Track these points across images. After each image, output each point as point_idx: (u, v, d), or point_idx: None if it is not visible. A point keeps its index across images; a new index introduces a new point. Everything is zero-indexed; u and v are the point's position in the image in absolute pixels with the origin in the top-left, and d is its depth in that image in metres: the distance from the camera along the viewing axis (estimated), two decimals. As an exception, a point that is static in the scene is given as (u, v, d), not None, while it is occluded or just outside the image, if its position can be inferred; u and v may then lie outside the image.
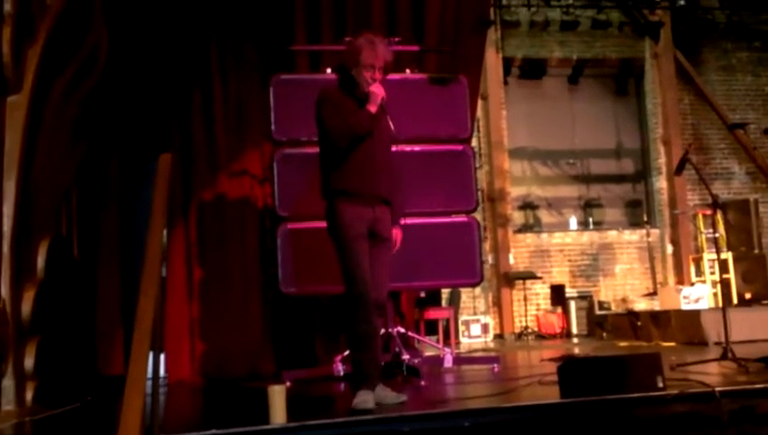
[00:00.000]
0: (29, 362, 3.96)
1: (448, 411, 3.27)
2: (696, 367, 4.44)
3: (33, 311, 3.99)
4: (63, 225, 4.94)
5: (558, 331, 9.40)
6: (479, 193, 6.09)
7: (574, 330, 9.40)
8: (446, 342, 7.00)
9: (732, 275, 8.07)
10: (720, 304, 5.61)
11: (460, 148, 5.56)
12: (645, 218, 10.17)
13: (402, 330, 5.34)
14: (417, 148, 5.41)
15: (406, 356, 4.97)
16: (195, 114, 6.30)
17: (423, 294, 6.80)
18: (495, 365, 5.18)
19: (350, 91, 3.85)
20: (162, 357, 5.74)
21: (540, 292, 10.13)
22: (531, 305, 9.88)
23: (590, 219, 10.75)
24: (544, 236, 10.47)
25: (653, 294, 9.30)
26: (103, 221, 6.01)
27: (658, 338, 7.28)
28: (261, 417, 3.19)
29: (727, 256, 8.09)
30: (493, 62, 10.19)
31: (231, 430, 2.97)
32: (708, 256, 8.32)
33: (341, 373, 4.96)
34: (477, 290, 9.71)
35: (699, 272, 8.65)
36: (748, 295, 8.02)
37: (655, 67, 10.89)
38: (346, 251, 3.67)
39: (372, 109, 3.76)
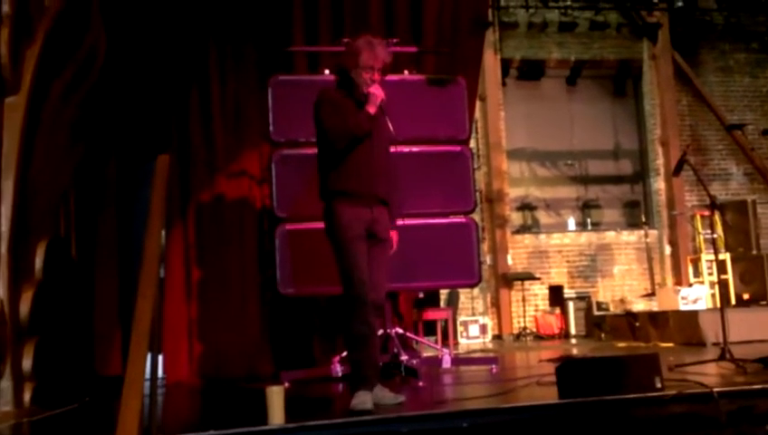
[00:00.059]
0: (27, 363, 3.95)
1: (447, 412, 3.28)
2: (694, 368, 4.45)
3: (31, 312, 3.99)
4: (61, 226, 4.94)
5: (556, 331, 9.40)
6: (477, 194, 6.11)
7: (572, 331, 9.40)
8: (445, 342, 7.02)
9: (730, 276, 8.09)
10: (718, 305, 5.62)
11: (458, 149, 5.56)
12: (643, 219, 10.18)
13: (400, 331, 5.34)
14: (415, 149, 5.41)
15: (404, 357, 4.97)
16: (193, 115, 6.29)
17: (421, 295, 6.81)
18: (494, 366, 5.18)
19: (348, 93, 3.85)
20: (160, 358, 5.74)
21: (538, 292, 10.13)
22: (529, 306, 9.89)
23: (589, 220, 10.75)
24: (542, 236, 10.48)
25: (651, 294, 9.31)
26: (101, 222, 6.01)
27: (656, 339, 7.29)
28: (259, 418, 3.19)
29: (725, 256, 8.10)
30: (491, 63, 10.20)
31: (229, 431, 2.97)
32: (706, 256, 8.35)
33: (339, 374, 4.96)
34: (476, 291, 9.72)
35: (697, 273, 8.68)
36: (746, 296, 8.04)
37: (653, 68, 10.90)
38: (344, 252, 3.67)
39: (371, 110, 3.76)
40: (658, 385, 3.39)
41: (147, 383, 2.73)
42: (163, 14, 6.16)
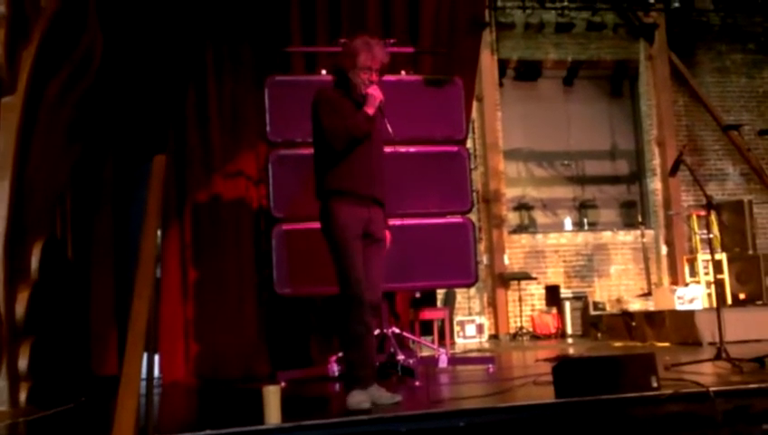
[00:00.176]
0: (23, 363, 3.95)
1: (443, 411, 3.28)
2: (691, 367, 4.45)
3: (26, 312, 3.98)
4: (58, 226, 4.93)
5: (553, 331, 9.41)
6: (474, 194, 6.10)
7: (569, 330, 9.41)
8: (441, 342, 7.01)
9: (726, 276, 8.09)
10: (714, 305, 5.63)
11: (455, 149, 5.56)
12: (639, 219, 10.19)
13: (397, 330, 5.34)
14: (412, 149, 5.41)
15: (401, 357, 4.97)
16: (189, 115, 6.28)
17: (418, 295, 6.81)
18: (490, 365, 5.19)
19: (346, 93, 3.85)
20: (156, 358, 5.73)
21: (535, 292, 10.14)
22: (526, 306, 9.90)
23: (585, 220, 10.77)
24: (539, 236, 10.49)
25: (647, 294, 9.32)
26: (97, 222, 6.00)
27: (653, 338, 7.29)
28: (256, 417, 3.19)
29: (721, 256, 8.11)
30: (488, 63, 10.21)
31: (226, 431, 2.97)
32: (702, 256, 8.35)
33: (336, 374, 4.96)
34: (472, 290, 9.72)
35: (693, 272, 8.68)
36: (742, 296, 8.05)
37: (649, 69, 10.92)
38: (341, 251, 3.67)
39: (370, 111, 3.76)
40: (655, 385, 3.40)
41: (143, 383, 2.73)
42: (160, 14, 6.15)
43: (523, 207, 10.74)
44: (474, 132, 10.08)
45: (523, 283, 9.89)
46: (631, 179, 11.19)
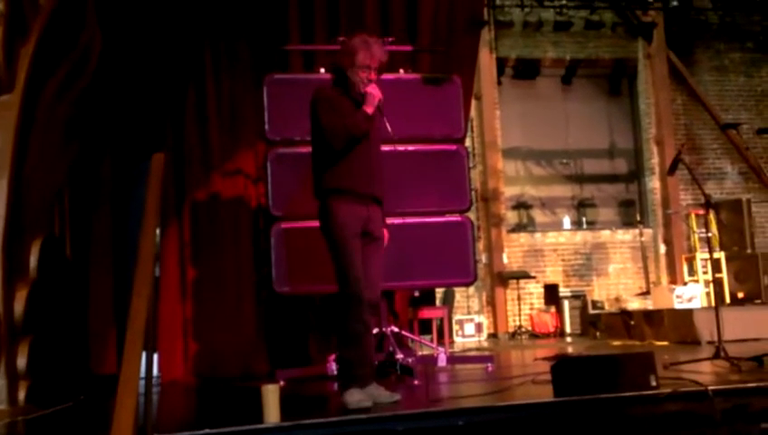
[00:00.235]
0: (21, 362, 3.94)
1: (442, 410, 3.28)
2: (689, 366, 4.46)
3: (25, 310, 3.97)
4: (56, 224, 4.93)
5: (551, 330, 9.42)
6: (473, 193, 6.10)
7: (568, 329, 9.42)
8: (440, 341, 7.01)
9: (724, 275, 8.10)
10: (713, 304, 5.63)
11: (454, 147, 5.56)
12: (638, 218, 10.19)
13: (396, 329, 5.34)
14: (410, 147, 5.41)
15: (399, 355, 4.97)
16: (188, 114, 6.28)
17: (417, 294, 6.81)
18: (489, 364, 5.18)
19: (345, 91, 3.85)
20: (155, 357, 5.72)
21: (533, 291, 10.15)
22: (524, 305, 9.90)
23: (584, 219, 10.77)
24: (538, 235, 10.49)
25: (646, 293, 9.32)
26: (96, 221, 6.00)
27: (651, 337, 7.30)
28: (255, 416, 3.19)
29: (720, 255, 8.12)
30: (486, 62, 10.20)
31: (225, 430, 2.97)
32: (701, 255, 8.36)
33: (335, 372, 4.95)
34: (471, 289, 9.72)
35: (692, 271, 8.68)
36: (741, 295, 8.06)
37: (648, 67, 10.92)
38: (340, 249, 3.67)
39: (369, 110, 3.76)
40: (653, 383, 3.40)
41: (142, 382, 2.73)
42: (158, 12, 6.15)
43: (521, 205, 10.74)
44: (472, 131, 10.08)
45: (522, 282, 9.89)
46: (630, 178, 11.19)
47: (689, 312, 6.88)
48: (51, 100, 4.39)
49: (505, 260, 10.04)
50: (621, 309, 8.51)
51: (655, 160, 10.84)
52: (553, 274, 10.31)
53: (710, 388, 3.31)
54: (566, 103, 10.99)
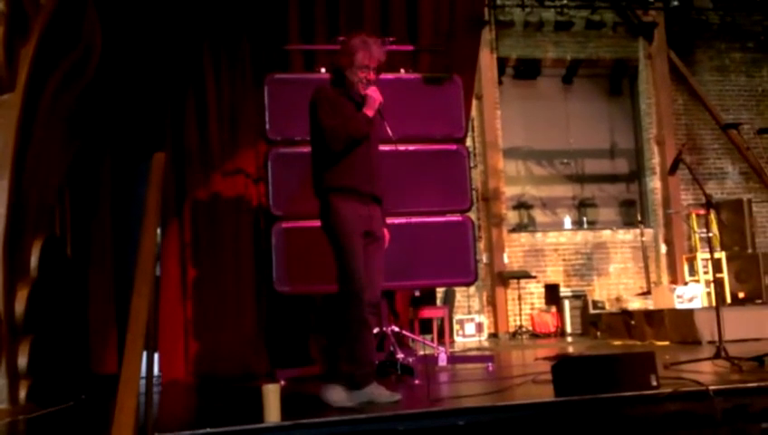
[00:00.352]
0: (22, 361, 3.95)
1: (443, 410, 3.27)
2: (690, 366, 4.45)
3: (26, 310, 3.98)
4: (57, 224, 4.93)
5: (552, 330, 9.42)
6: (473, 192, 6.11)
7: (568, 329, 9.42)
8: (441, 341, 7.01)
9: (725, 275, 8.10)
10: (713, 304, 5.63)
11: (454, 147, 5.56)
12: (639, 218, 10.19)
13: (397, 329, 5.34)
14: (411, 147, 5.40)
15: (400, 355, 4.96)
16: (188, 113, 6.28)
17: (418, 294, 6.80)
18: (490, 364, 5.19)
19: (344, 91, 3.85)
20: (156, 356, 5.72)
21: (534, 291, 10.14)
22: (525, 304, 9.90)
23: (585, 219, 10.76)
24: (539, 235, 10.49)
25: (647, 293, 9.32)
26: (96, 221, 6.00)
27: (652, 337, 7.30)
28: (255, 416, 3.19)
29: (721, 255, 8.12)
30: (487, 61, 10.20)
31: (225, 429, 2.97)
32: (702, 255, 8.36)
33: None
34: (472, 289, 9.72)
35: (693, 271, 8.68)
36: (741, 295, 8.06)
37: (649, 67, 10.91)
38: (342, 246, 3.67)
39: (370, 113, 3.77)
40: (654, 383, 3.40)
41: (142, 382, 2.73)
42: (159, 11, 6.15)
43: (522, 205, 10.74)
44: (473, 131, 10.08)
45: (523, 281, 9.89)
46: (631, 178, 11.19)
47: (690, 312, 6.88)
48: (51, 99, 4.39)
49: (506, 260, 10.04)
50: (622, 309, 8.51)
51: (656, 160, 10.84)
52: (554, 273, 10.31)
53: (711, 388, 3.31)
54: (567, 103, 10.99)
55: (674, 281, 9.94)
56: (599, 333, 8.59)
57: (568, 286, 10.16)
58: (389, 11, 6.59)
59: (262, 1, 6.39)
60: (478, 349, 7.95)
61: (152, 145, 5.81)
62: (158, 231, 3.20)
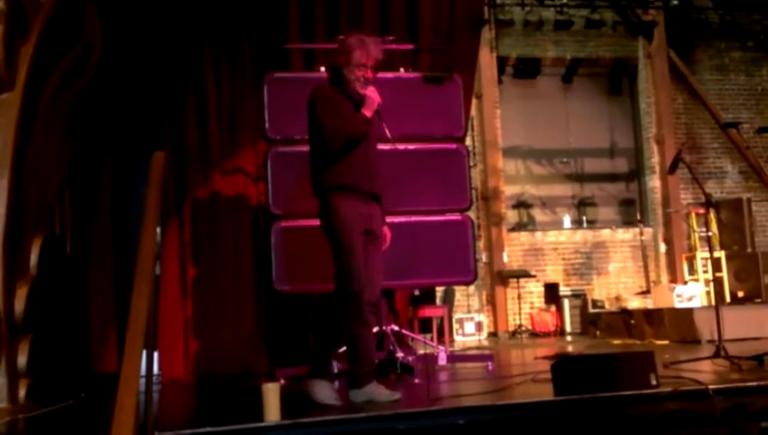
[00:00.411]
0: (22, 360, 3.94)
1: (443, 409, 3.27)
2: (690, 365, 4.46)
3: (25, 308, 3.97)
4: (57, 223, 4.93)
5: (552, 329, 9.42)
6: (473, 192, 6.10)
7: (568, 328, 9.42)
8: (440, 340, 7.01)
9: (725, 274, 8.11)
10: (713, 303, 5.63)
11: (454, 146, 5.56)
12: (638, 217, 10.19)
13: (396, 328, 5.34)
14: (411, 146, 5.40)
15: (400, 354, 4.97)
16: (188, 112, 6.28)
17: (417, 293, 6.80)
18: (489, 363, 5.19)
19: (342, 90, 3.85)
20: (156, 355, 5.73)
21: (534, 290, 10.15)
22: (525, 304, 9.90)
23: (584, 218, 10.76)
24: (538, 234, 10.49)
25: (646, 292, 9.32)
26: (96, 220, 6.00)
27: (652, 336, 7.30)
28: (255, 414, 3.19)
29: (720, 254, 8.13)
30: (487, 61, 10.20)
31: (225, 428, 2.97)
32: (701, 254, 8.36)
33: (336, 371, 4.95)
34: (471, 288, 9.72)
35: (692, 270, 8.69)
36: (741, 294, 8.06)
37: (648, 66, 10.91)
38: (343, 246, 3.66)
39: (368, 114, 3.77)
40: (654, 382, 3.40)
41: (142, 380, 2.73)
42: (158, 10, 6.15)
43: (521, 204, 10.74)
44: (473, 130, 10.08)
45: (522, 280, 9.89)
46: (630, 177, 11.19)
47: (689, 311, 6.88)
48: (51, 98, 4.39)
49: (506, 259, 10.04)
50: (621, 308, 8.52)
51: (655, 159, 10.84)
52: (554, 273, 10.31)
53: (710, 387, 3.31)
54: (566, 102, 10.99)
55: (673, 280, 9.95)
56: (598, 333, 8.60)
57: (567, 285, 10.15)
58: (389, 10, 6.59)
59: (262, 0, 6.39)
60: (478, 348, 7.95)
61: (152, 144, 5.82)
62: (158, 230, 3.20)
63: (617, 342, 7.63)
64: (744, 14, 11.01)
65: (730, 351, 4.59)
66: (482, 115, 10.27)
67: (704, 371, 4.28)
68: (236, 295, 6.10)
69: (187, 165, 6.22)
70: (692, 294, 7.40)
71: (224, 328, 6.00)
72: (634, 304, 9.09)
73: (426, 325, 7.27)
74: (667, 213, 10.51)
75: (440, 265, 5.38)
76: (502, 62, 10.61)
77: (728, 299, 7.98)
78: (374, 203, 3.85)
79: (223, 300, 6.07)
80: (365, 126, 3.76)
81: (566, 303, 9.54)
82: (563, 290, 9.92)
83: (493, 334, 9.75)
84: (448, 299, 9.37)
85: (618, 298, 9.47)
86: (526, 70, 10.79)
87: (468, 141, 9.37)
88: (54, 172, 4.63)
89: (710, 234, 6.89)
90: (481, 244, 9.97)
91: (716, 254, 7.94)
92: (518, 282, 9.84)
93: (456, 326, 9.10)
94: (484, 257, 9.96)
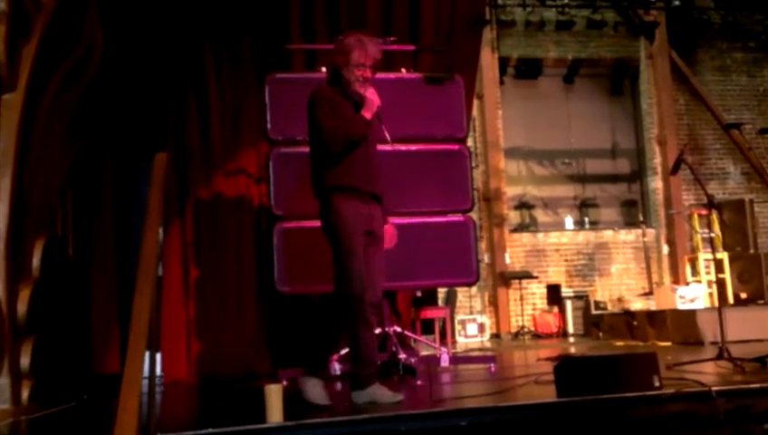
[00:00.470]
0: (25, 361, 3.94)
1: (445, 411, 3.27)
2: (692, 366, 4.45)
3: (28, 310, 3.97)
4: (59, 224, 4.93)
5: (554, 330, 9.41)
6: (475, 193, 6.09)
7: (570, 329, 9.42)
8: (443, 341, 7.00)
9: (727, 275, 8.09)
10: (716, 304, 5.63)
11: (456, 147, 5.55)
12: (641, 218, 10.19)
13: (399, 329, 5.33)
14: (412, 147, 5.41)
15: (402, 355, 4.96)
16: (190, 113, 6.28)
17: (419, 294, 6.80)
18: (492, 365, 5.18)
19: (341, 90, 3.85)
20: (158, 356, 5.73)
21: (536, 291, 10.14)
22: (527, 305, 9.90)
23: (586, 219, 10.76)
24: (540, 235, 10.49)
25: (649, 293, 9.32)
26: (98, 221, 6.00)
27: (654, 338, 7.29)
28: (257, 416, 3.18)
29: (723, 255, 8.11)
30: (488, 61, 10.20)
31: (228, 429, 2.97)
32: (704, 255, 8.35)
33: (338, 372, 4.95)
34: (473, 289, 9.72)
35: (695, 272, 8.67)
36: (744, 295, 8.05)
37: (650, 67, 10.91)
38: (344, 248, 3.66)
39: (368, 116, 3.77)
40: (657, 384, 3.39)
41: (145, 382, 2.73)
42: (160, 11, 6.15)
43: (523, 205, 10.74)
44: (474, 130, 10.08)
45: (525, 282, 9.89)
46: (632, 178, 11.18)
47: (692, 312, 6.87)
48: (53, 99, 4.39)
49: (508, 260, 10.04)
50: (624, 309, 8.51)
51: (657, 160, 10.84)
52: (556, 274, 10.31)
53: (713, 388, 3.30)
54: (568, 103, 10.99)
55: (676, 281, 9.94)
56: (601, 334, 8.59)
57: (570, 287, 10.15)
58: (391, 10, 6.59)
59: (263, 0, 6.39)
60: (480, 349, 7.95)
61: (154, 145, 5.81)
62: (161, 231, 3.19)
63: (619, 343, 7.62)
64: (745, 15, 11.01)
65: (733, 352, 4.57)
66: (483, 116, 10.27)
67: (707, 372, 4.27)
68: (239, 296, 6.10)
69: (189, 166, 6.22)
70: (695, 295, 7.39)
71: (226, 329, 6.00)
72: (636, 305, 9.08)
73: (428, 327, 7.27)
74: (669, 214, 10.50)
75: (442, 266, 5.38)
76: (503, 63, 10.62)
77: (731, 300, 7.96)
78: (375, 204, 3.84)
79: (225, 301, 6.07)
80: (364, 128, 3.76)
81: (568, 304, 9.54)
82: (566, 291, 9.92)
83: (495, 336, 9.75)
84: (450, 300, 9.38)
85: (620, 299, 9.46)
86: (528, 70, 10.79)
87: (470, 142, 9.37)
88: (56, 173, 4.63)
89: (713, 235, 6.87)
90: (483, 245, 9.97)
91: (719, 255, 7.93)
92: (520, 283, 9.84)
93: (458, 328, 9.10)
94: (486, 258, 9.96)
